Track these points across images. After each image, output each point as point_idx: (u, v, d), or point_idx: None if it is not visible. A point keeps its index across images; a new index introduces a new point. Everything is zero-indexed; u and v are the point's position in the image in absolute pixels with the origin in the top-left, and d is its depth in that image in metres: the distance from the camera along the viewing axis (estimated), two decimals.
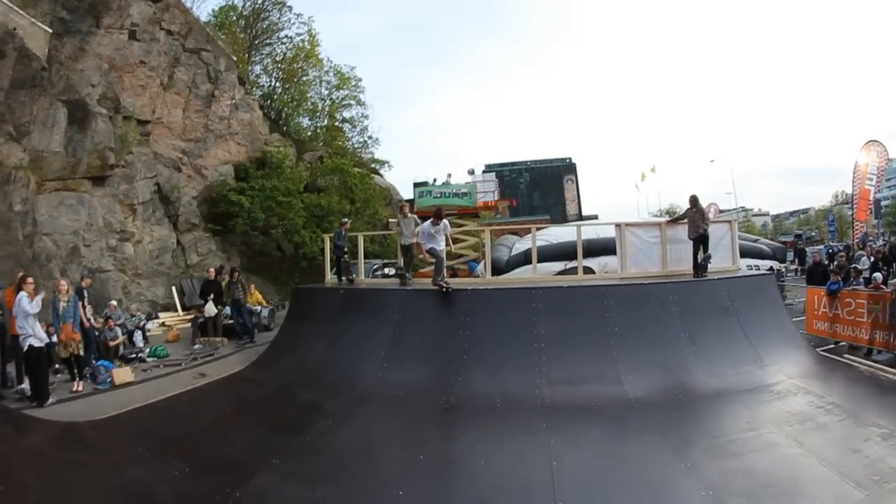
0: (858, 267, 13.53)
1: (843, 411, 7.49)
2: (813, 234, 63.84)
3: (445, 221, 11.51)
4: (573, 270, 13.66)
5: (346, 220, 15.50)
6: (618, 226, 12.58)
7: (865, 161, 26.30)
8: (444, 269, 10.90)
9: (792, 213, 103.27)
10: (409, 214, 13.36)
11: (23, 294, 9.18)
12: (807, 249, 26.58)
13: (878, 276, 11.68)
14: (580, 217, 45.81)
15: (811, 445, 6.42)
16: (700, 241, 11.52)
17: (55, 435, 7.61)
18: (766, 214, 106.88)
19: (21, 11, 13.14)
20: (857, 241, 26.27)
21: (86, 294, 11.40)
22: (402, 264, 13.27)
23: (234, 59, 23.33)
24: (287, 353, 11.55)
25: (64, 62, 14.92)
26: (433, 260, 11.68)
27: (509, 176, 47.53)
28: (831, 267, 13.50)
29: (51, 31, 14.23)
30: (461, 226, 22.13)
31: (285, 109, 29.57)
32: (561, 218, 44.46)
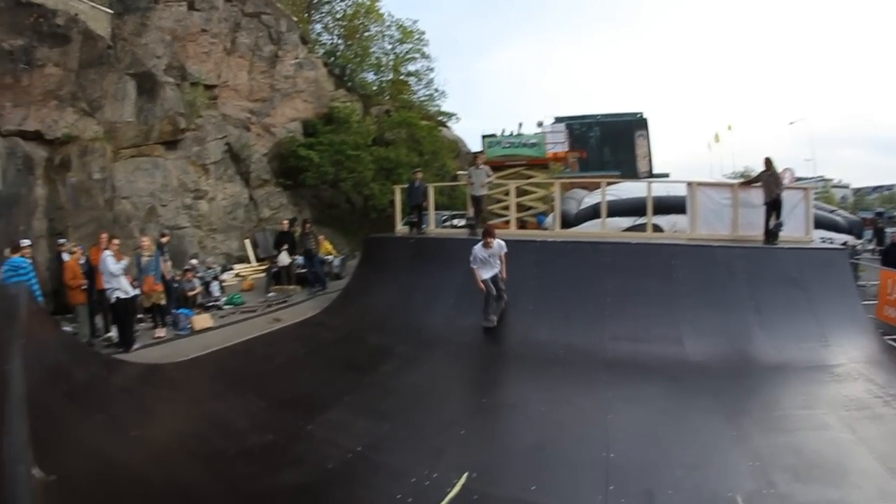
0: None
1: None
2: None
3: (500, 242, 9.67)
4: (642, 227, 13.24)
5: (417, 170, 15.53)
6: (689, 184, 12.18)
7: None
8: (497, 303, 9.65)
9: (875, 188, 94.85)
10: (481, 166, 13.29)
11: (108, 254, 9.68)
12: (887, 230, 24.47)
13: None
14: (651, 175, 44.31)
15: (864, 434, 6.01)
16: (773, 206, 10.93)
17: (141, 374, 8.01)
18: (847, 187, 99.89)
19: None
20: None
21: (165, 249, 11.88)
22: (472, 215, 13.23)
23: (295, 19, 23.38)
24: (358, 299, 11.79)
25: (128, 38, 15.31)
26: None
27: (579, 129, 45.85)
28: None
29: (111, 11, 14.68)
30: (530, 177, 21.84)
31: (349, 66, 29.26)
32: (631, 174, 42.80)
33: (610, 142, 48.49)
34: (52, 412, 4.93)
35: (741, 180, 14.56)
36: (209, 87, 17.99)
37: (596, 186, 18.15)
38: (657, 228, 13.51)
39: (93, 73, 13.84)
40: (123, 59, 14.99)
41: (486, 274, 9.39)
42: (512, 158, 22.94)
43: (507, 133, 24.01)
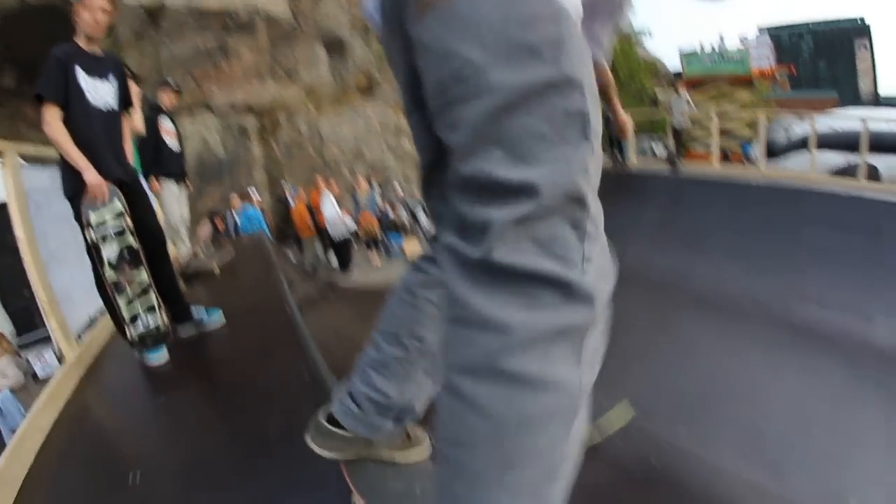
0: None
1: None
2: None
3: None
4: (854, 169, 11.24)
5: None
6: None
7: None
8: None
9: None
10: (682, 93, 12.13)
11: (328, 196, 10.96)
12: None
13: None
14: (876, 96, 38.08)
15: None
16: None
17: (361, 293, 8.86)
18: None
19: None
20: None
21: (376, 185, 13.19)
22: (672, 148, 12.39)
23: None
24: None
25: (306, 13, 16.50)
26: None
27: (788, 40, 40.78)
28: None
29: None
30: (733, 95, 20.34)
31: None
32: (851, 95, 37.31)
33: (825, 54, 42.57)
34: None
35: None
36: None
37: (808, 113, 16.31)
38: (873, 171, 11.61)
39: (284, 48, 15.67)
40: (308, 30, 16.40)
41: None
42: (713, 76, 21.40)
43: (706, 49, 22.42)
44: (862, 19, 43.08)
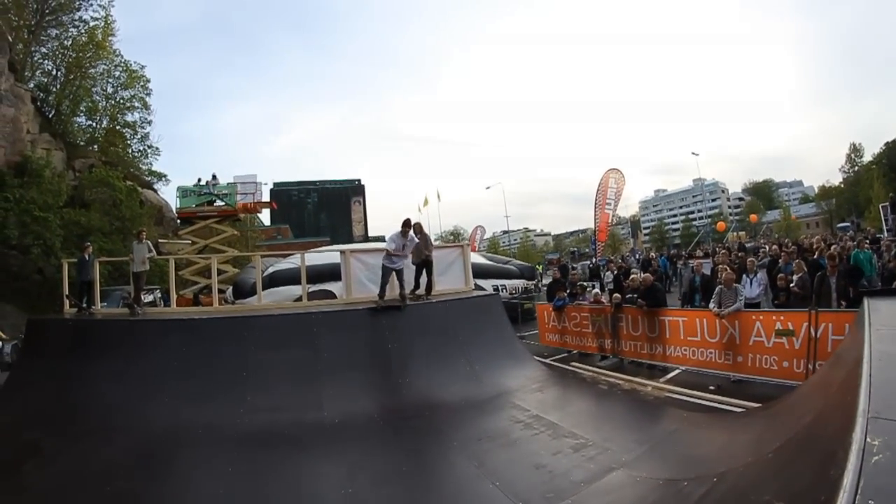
0: (584, 283, 15.25)
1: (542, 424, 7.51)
2: (588, 250, 70.27)
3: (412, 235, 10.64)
4: (319, 293, 13.64)
5: (88, 243, 13.00)
6: (343, 252, 12.32)
7: (605, 186, 27.37)
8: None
9: (571, 233, 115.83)
10: (144, 240, 11.83)
11: None
12: (570, 265, 28.48)
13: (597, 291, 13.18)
14: (366, 237, 46.14)
15: (491, 464, 6.25)
16: (423, 265, 11.33)
17: None
18: (548, 234, 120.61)
19: None
20: (598, 259, 27.93)
21: None
22: (132, 293, 12.01)
23: (9, 38, 19.86)
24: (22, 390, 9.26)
25: None
26: None
27: (297, 195, 46.96)
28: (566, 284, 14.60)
29: None
30: (221, 232, 21.93)
31: (65, 104, 24.86)
32: (346, 239, 44.75)
33: (327, 207, 50.28)
34: None
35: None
36: None
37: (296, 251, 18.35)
38: (330, 294, 13.82)
39: None
40: None
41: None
42: (203, 210, 22.68)
43: (202, 183, 23.20)
44: (359, 181, 52.38)
